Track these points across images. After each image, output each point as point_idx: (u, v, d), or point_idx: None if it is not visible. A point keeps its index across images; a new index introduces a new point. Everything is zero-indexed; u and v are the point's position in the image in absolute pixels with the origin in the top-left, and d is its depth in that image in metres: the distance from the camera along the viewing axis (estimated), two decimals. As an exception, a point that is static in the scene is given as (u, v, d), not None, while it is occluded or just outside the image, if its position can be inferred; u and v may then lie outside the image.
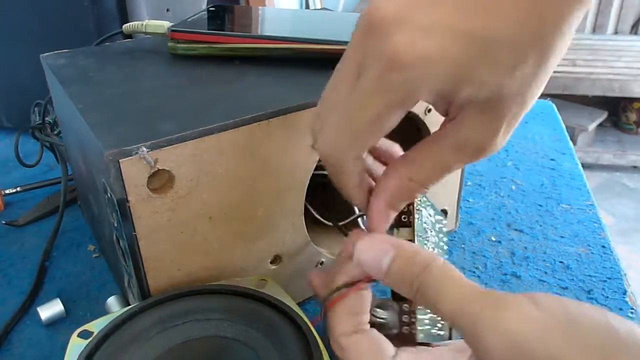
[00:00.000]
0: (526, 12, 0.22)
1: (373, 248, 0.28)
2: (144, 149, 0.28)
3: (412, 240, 0.33)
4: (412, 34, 0.23)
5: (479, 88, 0.24)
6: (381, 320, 0.30)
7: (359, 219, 0.42)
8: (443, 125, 0.27)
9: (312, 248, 0.40)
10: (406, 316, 0.31)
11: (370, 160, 0.34)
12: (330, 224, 0.41)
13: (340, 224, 0.41)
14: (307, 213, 0.39)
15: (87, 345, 0.29)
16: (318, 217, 0.41)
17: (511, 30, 0.22)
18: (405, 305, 0.31)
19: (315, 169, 0.35)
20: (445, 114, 0.27)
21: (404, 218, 0.33)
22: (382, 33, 0.23)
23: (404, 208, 0.32)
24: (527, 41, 0.23)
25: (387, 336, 0.29)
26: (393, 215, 0.30)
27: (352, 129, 0.26)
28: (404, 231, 0.33)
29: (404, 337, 0.30)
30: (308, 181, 0.36)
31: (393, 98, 0.24)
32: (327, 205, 0.42)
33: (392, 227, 0.32)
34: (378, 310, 0.30)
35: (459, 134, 0.26)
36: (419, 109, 0.39)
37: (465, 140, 0.26)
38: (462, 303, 0.24)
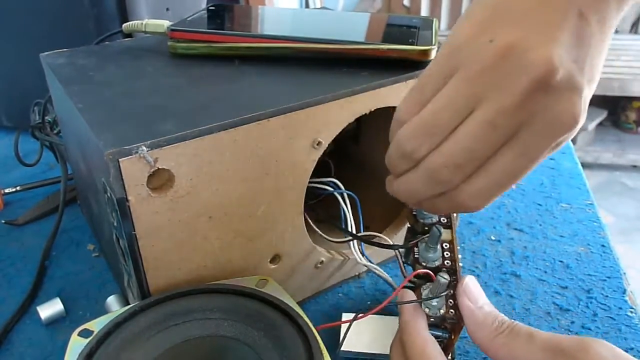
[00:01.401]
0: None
1: (478, 289, 0.32)
2: (144, 148, 0.28)
3: (452, 240, 0.36)
4: (580, 99, 0.25)
5: None
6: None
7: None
8: None
9: (311, 247, 0.40)
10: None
11: None
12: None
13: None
14: (306, 213, 0.39)
15: (88, 344, 0.29)
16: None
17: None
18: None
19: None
20: None
21: (444, 220, 0.37)
22: (554, 94, 0.24)
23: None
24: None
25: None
26: None
27: (506, 185, 0.27)
28: (445, 232, 0.36)
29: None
30: (308, 180, 0.36)
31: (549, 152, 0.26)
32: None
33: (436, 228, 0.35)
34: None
35: None
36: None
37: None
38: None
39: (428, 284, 0.33)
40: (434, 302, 0.32)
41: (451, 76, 0.26)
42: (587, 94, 0.25)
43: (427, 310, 0.32)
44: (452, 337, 0.33)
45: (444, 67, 0.26)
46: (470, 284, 0.31)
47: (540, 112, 0.24)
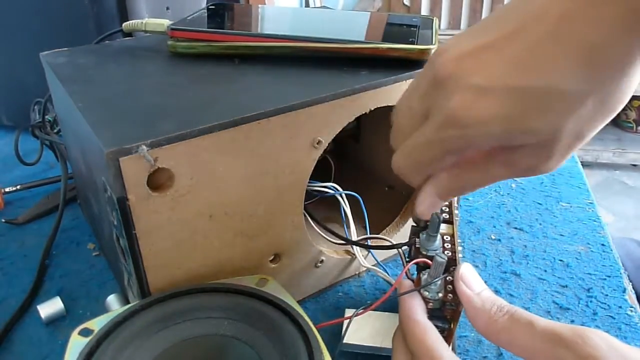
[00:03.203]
0: (582, 64, 0.23)
1: (475, 276, 0.32)
2: (144, 147, 0.28)
3: (453, 235, 0.36)
4: (468, 96, 0.25)
5: (532, 135, 0.25)
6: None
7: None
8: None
9: (312, 247, 0.40)
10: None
11: None
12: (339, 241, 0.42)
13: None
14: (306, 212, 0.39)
15: (88, 343, 0.29)
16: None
17: (566, 82, 0.23)
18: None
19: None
20: None
21: (446, 215, 0.37)
22: (443, 89, 0.26)
23: (446, 207, 0.38)
24: (584, 90, 0.24)
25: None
26: (440, 204, 0.33)
27: (414, 161, 0.29)
28: (446, 227, 0.36)
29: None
30: (308, 180, 0.36)
31: (448, 148, 0.27)
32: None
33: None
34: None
35: (510, 156, 0.28)
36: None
37: (515, 161, 0.28)
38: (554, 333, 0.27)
39: (427, 270, 0.33)
40: (433, 286, 0.32)
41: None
42: (512, 101, 0.24)
43: (426, 294, 0.32)
44: (452, 326, 0.33)
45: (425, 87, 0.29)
46: (467, 271, 0.32)
47: (435, 102, 0.27)
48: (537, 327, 0.27)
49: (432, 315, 0.32)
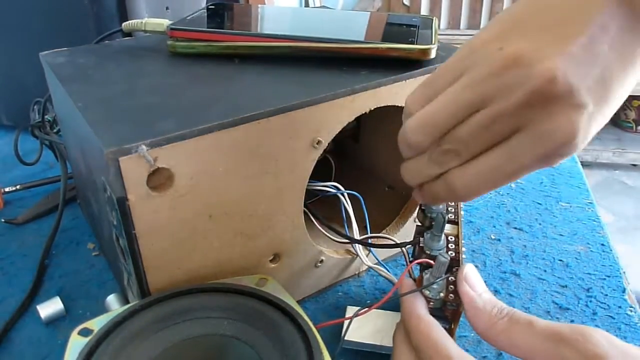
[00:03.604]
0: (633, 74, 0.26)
1: (478, 277, 0.32)
2: (144, 147, 0.28)
3: (457, 235, 0.36)
4: (583, 121, 0.25)
5: None
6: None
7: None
8: None
9: (311, 247, 0.40)
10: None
11: None
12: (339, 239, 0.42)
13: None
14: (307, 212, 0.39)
15: (88, 343, 0.29)
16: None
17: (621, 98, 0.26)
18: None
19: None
20: None
21: (452, 216, 0.37)
22: (549, 109, 0.24)
23: (452, 208, 0.38)
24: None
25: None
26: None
27: (496, 182, 0.27)
28: (450, 227, 0.37)
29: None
30: (308, 179, 0.36)
31: (545, 166, 0.26)
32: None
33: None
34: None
35: None
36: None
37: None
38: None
39: (429, 269, 0.33)
40: (435, 285, 0.32)
41: (460, 77, 0.27)
42: (595, 114, 0.25)
43: (427, 292, 0.32)
44: (452, 326, 0.33)
45: (455, 66, 0.27)
46: (471, 272, 0.32)
47: (534, 122, 0.25)
48: (537, 327, 0.27)
49: (433, 314, 0.32)
